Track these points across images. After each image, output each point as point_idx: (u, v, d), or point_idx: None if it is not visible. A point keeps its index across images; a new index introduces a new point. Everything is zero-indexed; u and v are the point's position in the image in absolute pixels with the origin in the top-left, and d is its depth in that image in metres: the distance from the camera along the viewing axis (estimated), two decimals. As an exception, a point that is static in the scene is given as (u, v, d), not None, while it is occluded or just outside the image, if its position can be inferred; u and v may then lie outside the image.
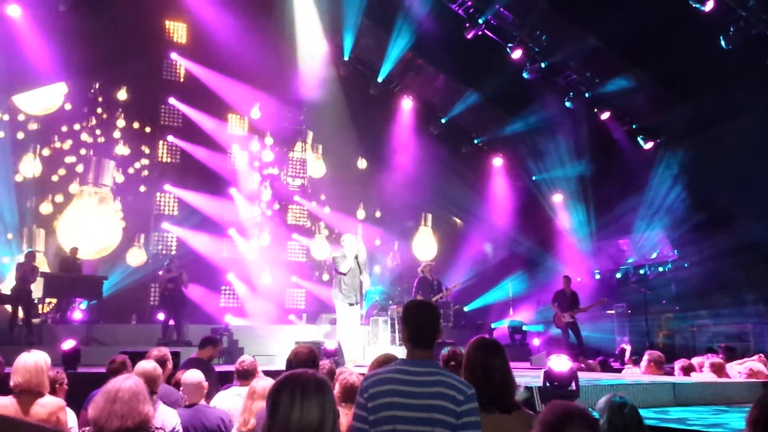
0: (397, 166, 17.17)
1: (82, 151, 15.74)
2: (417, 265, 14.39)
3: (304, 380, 2.07)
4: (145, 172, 16.46)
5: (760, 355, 7.06)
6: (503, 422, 3.04)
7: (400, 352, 3.68)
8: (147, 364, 4.63)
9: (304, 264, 18.09)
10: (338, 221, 17.72)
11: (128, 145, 16.09)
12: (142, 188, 16.36)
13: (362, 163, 18.42)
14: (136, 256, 15.85)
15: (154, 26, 16.62)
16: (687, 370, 6.88)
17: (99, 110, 16.01)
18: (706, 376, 6.60)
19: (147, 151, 16.52)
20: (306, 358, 3.85)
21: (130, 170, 16.21)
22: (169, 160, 16.88)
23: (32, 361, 4.20)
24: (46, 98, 15.41)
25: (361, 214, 18.13)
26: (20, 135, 15.14)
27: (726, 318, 13.48)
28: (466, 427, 2.74)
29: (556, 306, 12.89)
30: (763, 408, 2.19)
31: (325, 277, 17.50)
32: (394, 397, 2.80)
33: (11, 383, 4.17)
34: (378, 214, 18.42)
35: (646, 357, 7.28)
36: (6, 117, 14.91)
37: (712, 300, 13.64)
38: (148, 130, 16.53)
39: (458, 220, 19.03)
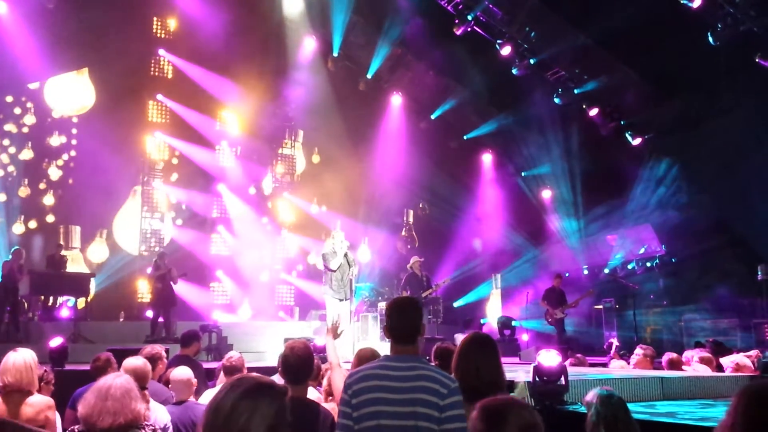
0: (386, 162, 17.15)
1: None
2: (405, 261, 14.40)
3: (247, 380, 2.01)
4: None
5: (757, 351, 7.11)
6: None
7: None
8: (136, 361, 4.58)
9: (293, 260, 18.06)
10: (327, 218, 17.67)
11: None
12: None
13: (316, 158, 18.40)
14: (98, 252, 15.77)
15: (142, 22, 16.49)
16: (673, 364, 6.93)
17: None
18: (695, 369, 6.66)
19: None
20: (302, 353, 3.82)
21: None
22: (157, 155, 16.78)
23: (21, 359, 4.16)
24: (78, 98, 15.41)
25: (314, 208, 18.08)
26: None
27: (713, 313, 13.59)
28: (451, 420, 2.76)
29: (546, 303, 13.09)
30: (742, 396, 2.20)
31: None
32: (377, 393, 2.83)
33: (-1, 383, 4.12)
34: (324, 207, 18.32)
35: (640, 351, 7.33)
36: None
37: (699, 295, 13.74)
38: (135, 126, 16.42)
39: (424, 206, 18.81)
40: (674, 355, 7.18)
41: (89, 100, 15.61)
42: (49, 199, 15.45)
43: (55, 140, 15.61)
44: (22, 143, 15.31)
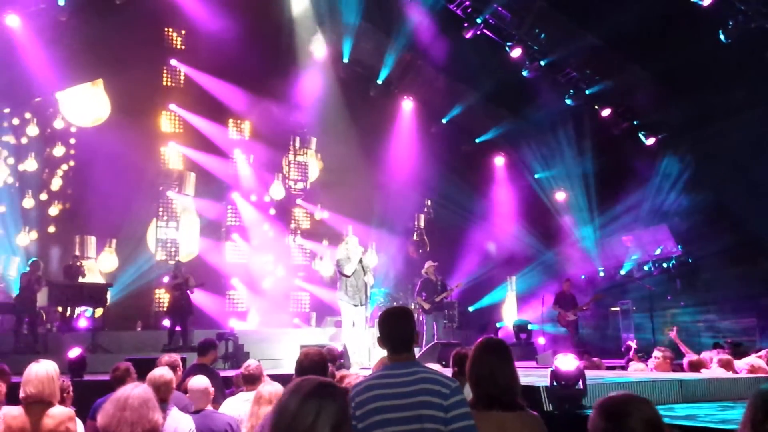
0: (397, 167, 17.15)
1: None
2: (418, 266, 14.40)
3: (309, 382, 2.06)
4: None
5: (767, 351, 7.05)
6: (505, 420, 3.07)
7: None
8: (157, 371, 4.63)
9: (307, 267, 18.11)
10: (339, 224, 17.69)
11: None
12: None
13: (327, 165, 18.44)
14: (107, 263, 15.90)
15: (154, 34, 16.65)
16: (695, 366, 6.87)
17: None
18: (714, 371, 6.60)
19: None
20: (317, 359, 3.86)
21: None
22: (170, 166, 16.91)
23: (43, 371, 4.19)
24: (93, 110, 15.62)
25: (322, 214, 18.11)
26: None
27: (731, 313, 13.47)
28: (457, 419, 2.80)
29: (558, 307, 13.37)
30: (755, 398, 2.20)
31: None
32: (381, 401, 2.87)
33: (21, 394, 4.14)
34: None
35: (658, 354, 7.28)
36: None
37: (717, 295, 13.62)
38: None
39: (429, 209, 18.72)
40: (695, 356, 7.12)
41: (105, 112, 15.76)
42: (55, 210, 15.65)
43: (62, 151, 15.82)
44: (26, 154, 15.56)
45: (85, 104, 15.66)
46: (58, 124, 15.93)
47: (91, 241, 15.60)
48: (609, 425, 2.19)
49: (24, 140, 15.69)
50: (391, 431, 2.81)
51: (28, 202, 15.53)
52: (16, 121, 15.48)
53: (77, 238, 15.44)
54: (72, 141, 16.10)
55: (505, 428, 3.04)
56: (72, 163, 16.10)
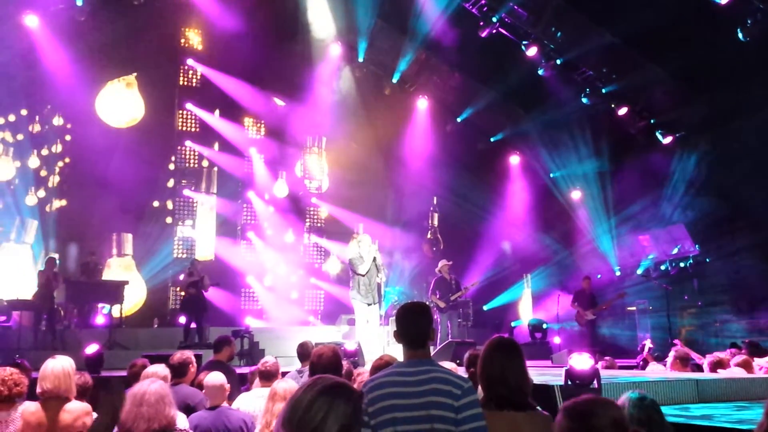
0: (412, 166, 17.15)
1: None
2: (432, 264, 14.39)
3: (325, 380, 2.08)
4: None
5: None
6: (516, 419, 3.07)
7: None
8: (150, 369, 4.74)
9: (319, 265, 18.17)
10: (353, 222, 17.73)
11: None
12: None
13: (342, 163, 18.22)
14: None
15: (171, 33, 16.76)
16: (716, 366, 6.82)
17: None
18: (731, 371, 6.55)
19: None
20: (330, 360, 3.87)
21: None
22: (187, 164, 17.03)
23: (59, 366, 4.26)
24: (128, 111, 15.72)
25: (326, 211, 18.17)
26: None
27: (749, 313, 13.34)
28: (468, 420, 2.80)
29: (577, 305, 13.26)
30: None
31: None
32: (392, 400, 2.87)
33: (38, 390, 4.22)
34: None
35: (672, 354, 7.24)
36: None
37: (735, 295, 13.49)
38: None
39: (435, 207, 18.62)
40: (716, 356, 7.07)
41: (139, 113, 15.87)
42: (71, 208, 15.70)
43: (77, 148, 15.88)
44: (39, 149, 15.60)
45: (121, 105, 15.74)
46: (64, 122, 15.89)
47: (128, 238, 15.68)
48: (575, 425, 2.20)
49: (20, 137, 15.53)
50: (401, 429, 2.81)
51: (40, 199, 15.59)
52: (12, 117, 15.44)
53: (114, 235, 15.53)
54: (87, 139, 16.15)
55: (517, 428, 3.04)
56: (78, 160, 16.10)
